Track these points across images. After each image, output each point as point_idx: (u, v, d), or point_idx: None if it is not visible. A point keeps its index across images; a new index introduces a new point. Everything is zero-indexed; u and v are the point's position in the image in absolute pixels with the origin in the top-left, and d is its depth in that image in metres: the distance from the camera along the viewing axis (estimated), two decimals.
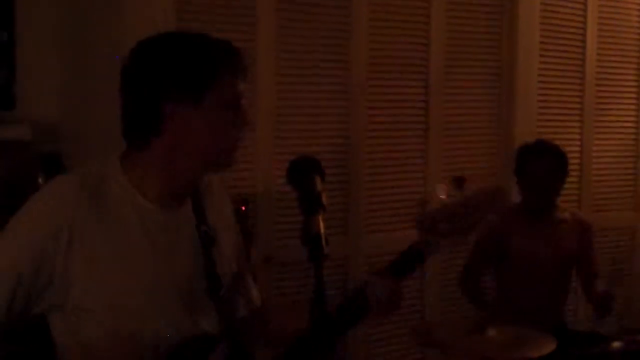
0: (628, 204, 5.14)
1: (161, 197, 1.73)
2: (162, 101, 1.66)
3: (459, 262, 3.93)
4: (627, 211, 5.14)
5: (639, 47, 5.10)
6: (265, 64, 3.72)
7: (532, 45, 4.59)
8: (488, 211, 1.86)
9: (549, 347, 3.07)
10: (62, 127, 3.31)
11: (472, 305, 3.86)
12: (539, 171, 3.72)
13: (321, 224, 1.40)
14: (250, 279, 1.99)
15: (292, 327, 1.83)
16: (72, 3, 3.37)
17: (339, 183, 4.01)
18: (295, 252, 1.86)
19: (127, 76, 1.73)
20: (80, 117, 3.33)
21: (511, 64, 4.54)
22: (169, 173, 1.72)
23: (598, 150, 4.92)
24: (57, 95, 3.32)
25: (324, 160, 3.88)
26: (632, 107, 5.13)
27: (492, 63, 4.53)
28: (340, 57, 3.98)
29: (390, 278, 1.77)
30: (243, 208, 3.34)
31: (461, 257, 3.87)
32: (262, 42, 3.71)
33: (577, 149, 4.81)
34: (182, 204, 1.78)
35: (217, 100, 1.68)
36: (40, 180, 2.94)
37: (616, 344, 3.56)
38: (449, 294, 4.33)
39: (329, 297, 1.45)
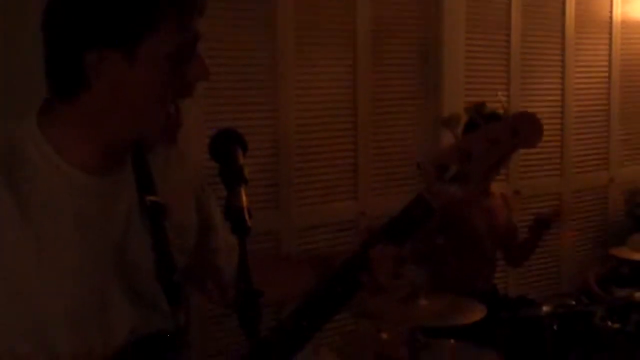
0: (554, 170, 5.23)
1: (91, 163, 1.45)
2: (85, 48, 1.36)
3: None
4: (554, 177, 5.23)
5: (562, 11, 5.16)
6: None
7: (458, 16, 4.61)
8: (514, 145, 1.53)
9: (480, 313, 3.12)
10: None
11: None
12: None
13: (244, 197, 1.34)
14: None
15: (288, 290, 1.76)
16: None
17: (269, 157, 3.98)
18: None
19: (48, 12, 1.42)
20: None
21: (438, 34, 4.55)
22: (99, 133, 1.44)
23: None
24: None
25: (253, 134, 3.88)
26: (557, 72, 5.20)
27: (419, 34, 4.53)
28: (268, 29, 3.94)
29: (389, 244, 1.58)
30: None
31: None
32: None
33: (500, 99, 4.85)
34: (119, 171, 1.50)
35: (155, 50, 1.38)
36: None
37: (545, 308, 3.62)
38: None
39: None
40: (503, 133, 1.52)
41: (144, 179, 1.53)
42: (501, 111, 1.61)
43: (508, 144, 1.52)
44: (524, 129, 1.52)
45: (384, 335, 3.23)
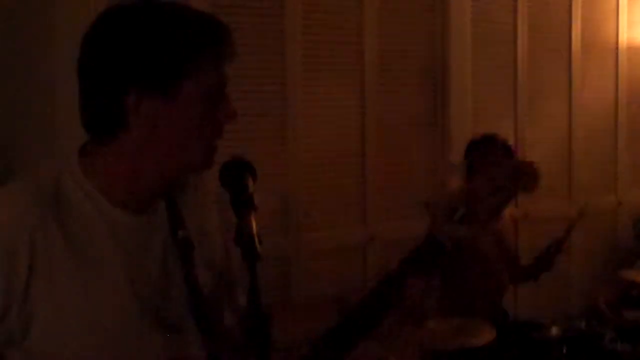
0: (562, 194, 5.24)
1: (129, 202, 1.50)
2: (124, 90, 1.41)
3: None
4: (562, 200, 5.24)
5: (569, 36, 5.20)
6: None
7: (464, 40, 4.65)
8: (517, 189, 1.63)
9: (489, 336, 3.13)
10: None
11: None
12: (491, 162, 3.74)
13: (254, 224, 1.39)
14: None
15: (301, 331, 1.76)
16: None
17: (278, 183, 4.00)
18: None
19: (85, 54, 1.45)
20: (20, 126, 3.23)
21: (444, 59, 4.59)
22: (138, 173, 1.49)
23: (532, 142, 5.00)
24: None
25: (262, 161, 3.91)
26: (564, 96, 5.22)
27: (426, 59, 4.56)
28: (275, 57, 3.98)
29: (415, 278, 1.64)
30: None
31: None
32: None
33: (512, 141, 4.85)
34: (154, 209, 1.56)
35: (193, 91, 1.44)
36: None
37: (554, 330, 3.62)
38: None
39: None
40: (505, 178, 1.63)
41: (174, 215, 1.58)
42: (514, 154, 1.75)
43: (509, 189, 1.62)
44: (524, 174, 1.64)
45: (392, 359, 3.23)
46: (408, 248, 1.70)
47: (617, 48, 5.46)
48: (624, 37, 5.46)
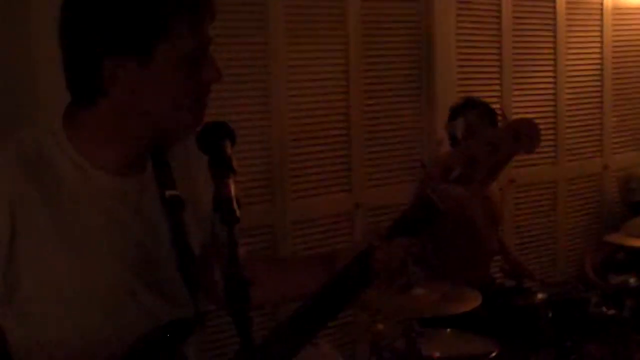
0: (548, 159, 5.24)
1: (115, 164, 1.52)
2: (100, 56, 1.42)
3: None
4: (548, 165, 5.23)
5: (553, 3, 5.17)
6: None
7: (448, 3, 4.60)
8: (515, 149, 1.58)
9: (475, 301, 3.14)
10: None
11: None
12: (474, 122, 3.72)
13: (232, 187, 1.36)
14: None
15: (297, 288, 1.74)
16: None
17: (262, 151, 3.99)
18: None
19: (62, 21, 1.46)
20: None
21: (428, 25, 4.55)
22: (121, 136, 1.51)
23: (518, 107, 4.98)
24: None
25: (246, 129, 3.89)
26: (549, 60, 5.20)
27: (410, 22, 4.52)
28: (258, 24, 3.93)
29: (397, 241, 1.59)
30: None
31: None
32: None
33: (498, 104, 4.83)
34: (142, 170, 1.57)
35: (168, 56, 1.43)
36: None
37: (540, 296, 3.64)
38: None
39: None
40: (504, 138, 1.57)
41: (163, 175, 1.59)
42: (500, 118, 1.66)
43: (509, 148, 1.57)
44: (524, 134, 1.57)
45: (380, 326, 3.24)
46: (395, 214, 1.66)
47: (601, 10, 5.42)
48: None
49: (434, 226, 1.61)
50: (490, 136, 1.58)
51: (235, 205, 1.33)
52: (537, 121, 1.60)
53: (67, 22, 1.46)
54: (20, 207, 1.44)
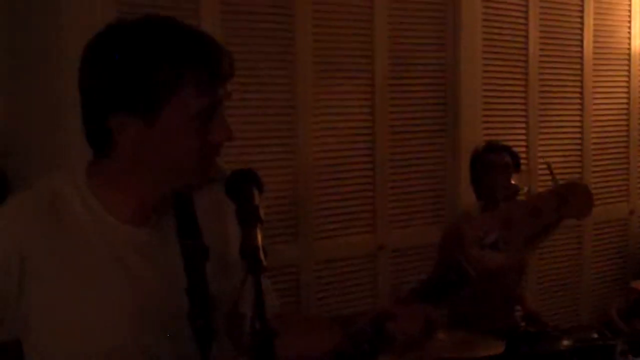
0: None
1: (130, 214, 1.52)
2: (107, 114, 1.44)
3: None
4: None
5: (581, 43, 5.17)
6: None
7: (475, 47, 4.62)
8: (559, 216, 1.48)
9: (498, 347, 3.11)
10: (7, 140, 3.22)
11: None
12: (496, 168, 3.70)
13: (259, 236, 1.37)
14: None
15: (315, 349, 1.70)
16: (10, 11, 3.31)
17: (288, 190, 4.00)
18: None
19: (79, 75, 1.49)
20: (28, 129, 3.23)
21: (455, 67, 4.56)
22: (134, 187, 1.52)
23: (543, 150, 4.96)
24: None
25: (272, 168, 3.89)
26: (576, 103, 5.19)
27: (437, 67, 4.53)
28: (285, 64, 3.96)
29: (419, 307, 1.56)
30: None
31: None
32: None
33: (524, 149, 4.83)
34: (160, 220, 1.56)
35: (174, 117, 1.44)
36: None
37: (565, 342, 3.59)
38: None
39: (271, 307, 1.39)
40: (547, 204, 1.48)
41: (186, 224, 1.58)
42: (550, 179, 1.55)
43: (551, 214, 1.48)
44: (574, 199, 1.48)
45: None
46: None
47: (629, 55, 5.42)
48: (636, 45, 5.42)
49: (463, 291, 1.55)
50: (533, 199, 1.50)
51: (262, 255, 1.33)
52: (562, 164, 1.54)
53: (82, 76, 1.49)
54: (32, 257, 1.46)
